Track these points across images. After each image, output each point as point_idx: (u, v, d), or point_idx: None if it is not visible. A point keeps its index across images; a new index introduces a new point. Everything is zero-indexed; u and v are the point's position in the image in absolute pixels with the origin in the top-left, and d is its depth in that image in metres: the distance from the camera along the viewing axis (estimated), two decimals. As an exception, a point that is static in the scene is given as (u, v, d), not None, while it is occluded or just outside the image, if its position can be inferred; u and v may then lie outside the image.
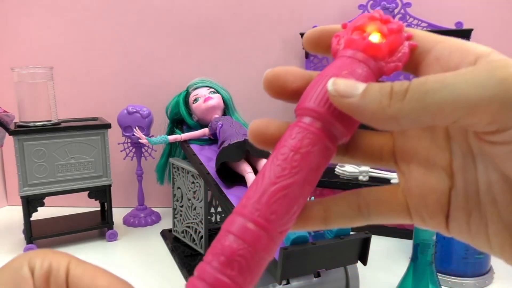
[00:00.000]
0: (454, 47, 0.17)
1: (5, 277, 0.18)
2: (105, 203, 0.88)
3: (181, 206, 0.82)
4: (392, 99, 0.16)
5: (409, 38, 0.19)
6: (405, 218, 0.19)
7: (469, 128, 0.16)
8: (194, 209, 0.77)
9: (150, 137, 0.85)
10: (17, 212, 0.87)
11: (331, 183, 0.88)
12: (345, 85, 0.17)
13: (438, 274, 0.46)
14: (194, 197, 0.77)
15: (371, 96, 0.16)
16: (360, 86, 0.16)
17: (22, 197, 0.79)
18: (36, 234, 0.81)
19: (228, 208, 0.64)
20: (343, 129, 0.18)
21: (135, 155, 0.95)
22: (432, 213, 0.18)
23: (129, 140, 0.93)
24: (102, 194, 0.86)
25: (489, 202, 0.17)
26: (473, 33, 0.83)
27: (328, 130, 0.18)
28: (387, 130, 0.18)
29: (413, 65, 0.19)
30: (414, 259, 0.44)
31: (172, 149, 0.88)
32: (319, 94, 0.18)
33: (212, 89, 0.84)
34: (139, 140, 0.85)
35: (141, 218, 0.95)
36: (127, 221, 0.95)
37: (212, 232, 0.77)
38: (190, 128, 0.86)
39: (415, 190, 0.19)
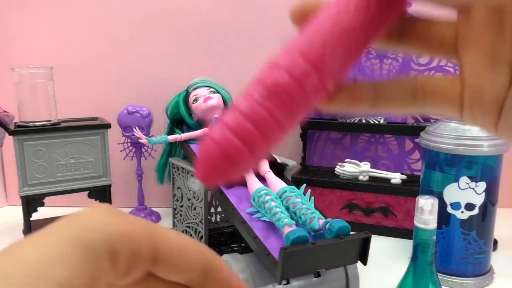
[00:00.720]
0: None
1: (72, 255, 0.14)
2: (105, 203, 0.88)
3: (181, 206, 0.82)
4: None
5: None
6: (456, 112, 0.18)
7: None
8: (194, 209, 0.77)
9: (150, 137, 0.85)
10: (17, 212, 0.87)
11: (331, 183, 0.88)
12: None
13: (438, 274, 0.46)
14: (194, 197, 0.77)
15: None
16: None
17: (22, 197, 0.79)
18: (36, 234, 0.81)
19: (228, 208, 0.64)
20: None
21: (135, 155, 0.95)
22: (486, 110, 0.17)
23: (129, 140, 0.93)
24: (102, 194, 0.86)
25: None
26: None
27: None
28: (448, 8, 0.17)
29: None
30: (414, 259, 0.44)
31: (172, 149, 0.88)
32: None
33: (212, 89, 0.84)
34: (139, 140, 0.85)
35: (141, 218, 0.95)
36: (127, 221, 0.95)
37: (212, 232, 0.77)
38: (190, 128, 0.86)
39: (474, 83, 0.17)
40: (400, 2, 0.16)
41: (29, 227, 0.79)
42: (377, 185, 0.85)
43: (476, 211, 0.64)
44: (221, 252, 0.73)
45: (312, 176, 0.91)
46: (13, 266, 0.13)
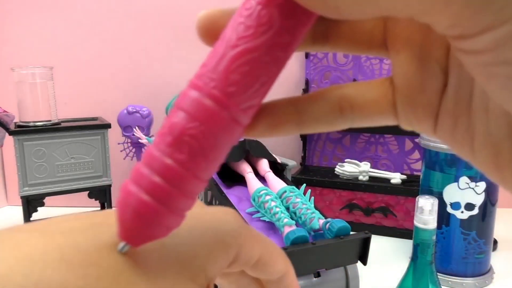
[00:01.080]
0: None
1: (216, 251, 0.17)
2: (105, 203, 0.88)
3: (181, 206, 0.82)
4: None
5: None
6: (391, 119, 0.17)
7: (433, 27, 0.12)
8: (194, 209, 0.77)
9: (150, 137, 0.85)
10: (17, 212, 0.87)
11: (331, 183, 0.88)
12: None
13: (438, 274, 0.46)
14: (194, 197, 0.77)
15: None
16: None
17: (22, 197, 0.79)
18: (36, 234, 0.81)
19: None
20: None
21: (135, 155, 0.95)
22: (421, 117, 0.16)
23: (129, 140, 0.93)
24: (102, 194, 0.86)
25: (481, 109, 0.14)
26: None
27: None
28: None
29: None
30: (414, 259, 0.44)
31: (172, 149, 0.88)
32: None
33: (212, 89, 0.85)
34: (139, 140, 0.85)
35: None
36: (127, 221, 0.95)
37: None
38: (190, 128, 0.86)
39: (404, 87, 0.16)
40: (307, 13, 0.14)
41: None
42: (377, 185, 0.85)
43: (476, 211, 0.64)
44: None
45: (312, 176, 0.91)
46: (167, 250, 0.16)
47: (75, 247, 0.13)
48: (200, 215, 0.18)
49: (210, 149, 0.14)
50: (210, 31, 0.15)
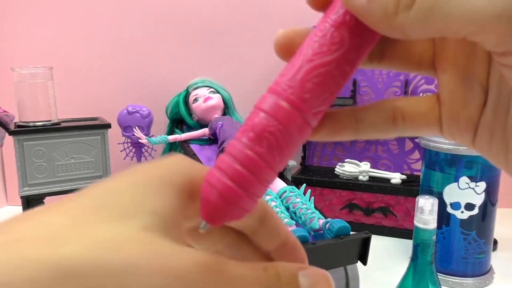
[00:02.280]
0: None
1: (152, 191, 0.16)
2: (105, 203, 0.88)
3: (181, 206, 0.82)
4: (398, 7, 0.15)
5: None
6: (437, 131, 0.19)
7: (481, 45, 0.15)
8: (194, 209, 0.77)
9: (150, 137, 0.85)
10: (17, 212, 0.87)
11: (331, 183, 0.88)
12: None
13: (438, 274, 0.46)
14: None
15: (378, 2, 0.15)
16: None
17: (22, 197, 0.79)
18: (36, 234, 0.81)
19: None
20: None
21: (135, 155, 0.95)
22: (463, 129, 0.18)
23: (129, 140, 0.93)
24: (102, 194, 0.86)
25: None
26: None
27: None
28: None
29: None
30: (414, 259, 0.44)
31: (172, 149, 0.88)
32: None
33: (212, 89, 0.85)
34: (139, 140, 0.85)
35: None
36: (127, 221, 0.95)
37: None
38: (190, 128, 0.86)
39: (450, 103, 0.18)
40: (372, 34, 0.17)
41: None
42: (377, 185, 0.85)
43: (476, 211, 0.64)
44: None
45: (312, 176, 0.91)
46: (109, 196, 0.15)
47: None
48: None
49: (285, 145, 0.16)
50: (287, 48, 0.19)
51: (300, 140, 0.17)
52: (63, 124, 0.83)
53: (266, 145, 0.16)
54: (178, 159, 0.18)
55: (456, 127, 0.18)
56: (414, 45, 0.19)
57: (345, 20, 0.16)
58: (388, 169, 0.93)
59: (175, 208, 0.16)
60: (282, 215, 0.56)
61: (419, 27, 0.14)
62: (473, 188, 0.64)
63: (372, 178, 0.88)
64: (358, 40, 0.16)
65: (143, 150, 0.96)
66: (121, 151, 0.94)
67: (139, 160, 0.95)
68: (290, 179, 0.75)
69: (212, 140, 0.83)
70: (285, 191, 0.60)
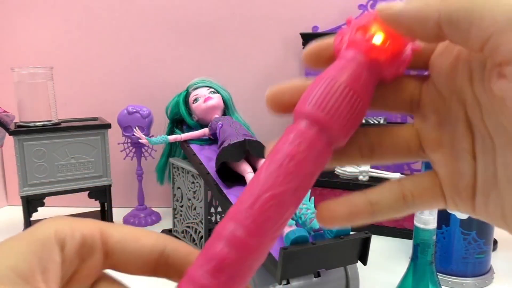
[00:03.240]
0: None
1: (25, 248, 0.17)
2: (105, 203, 0.88)
3: (181, 206, 0.82)
4: None
5: (414, 45, 0.19)
6: (442, 204, 0.20)
7: (492, 55, 0.16)
8: (194, 209, 0.77)
9: (150, 137, 0.85)
10: (17, 212, 0.87)
11: (331, 183, 0.88)
12: (389, 5, 0.17)
13: (438, 274, 0.46)
14: (194, 197, 0.77)
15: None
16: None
17: (22, 197, 0.79)
18: (36, 234, 0.80)
19: (228, 208, 0.64)
20: (340, 133, 0.18)
21: (135, 155, 0.95)
22: (464, 197, 0.19)
23: (129, 140, 0.93)
24: (102, 194, 0.86)
25: (506, 181, 0.17)
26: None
27: (325, 135, 0.18)
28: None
29: (422, 60, 0.19)
30: (414, 259, 0.44)
31: (172, 149, 0.88)
32: (318, 97, 0.18)
33: (212, 89, 0.84)
34: (139, 140, 0.85)
35: (141, 218, 0.95)
36: (127, 221, 0.95)
37: (212, 232, 0.77)
38: (190, 128, 0.86)
39: (447, 177, 0.19)
40: (323, 164, 0.18)
41: (29, 227, 0.79)
42: (377, 185, 0.85)
43: (476, 211, 0.64)
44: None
45: (312, 176, 0.91)
46: None
47: None
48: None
49: (245, 271, 0.17)
50: (277, 104, 0.20)
51: (260, 263, 0.17)
52: (63, 124, 0.83)
53: (227, 274, 0.17)
54: (49, 219, 0.18)
55: (458, 196, 0.19)
56: (398, 135, 0.20)
57: (299, 151, 0.17)
58: (388, 169, 0.93)
59: (36, 261, 0.16)
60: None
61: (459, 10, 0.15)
62: (473, 188, 0.63)
63: (372, 178, 0.88)
64: (311, 167, 0.18)
65: (143, 150, 0.96)
66: (121, 151, 0.94)
67: (139, 160, 0.96)
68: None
69: (212, 140, 0.83)
70: (285, 191, 0.60)
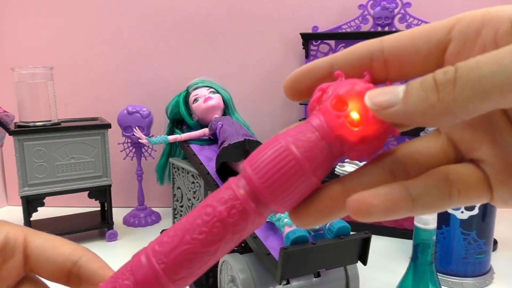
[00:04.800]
0: (477, 23, 0.16)
1: None
2: (105, 203, 0.88)
3: (181, 206, 0.82)
4: (440, 92, 0.14)
5: (391, 130, 0.17)
6: (488, 200, 0.18)
7: None
8: (194, 209, 0.77)
9: (150, 137, 0.85)
10: (17, 212, 0.87)
11: (331, 183, 0.88)
12: (382, 95, 0.15)
13: (438, 274, 0.46)
14: (194, 197, 0.77)
15: (414, 97, 0.14)
16: (400, 90, 0.15)
17: (22, 197, 0.79)
18: (36, 234, 0.81)
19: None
20: (277, 207, 0.17)
21: (135, 155, 0.95)
22: None
23: (129, 140, 0.93)
24: (102, 194, 0.86)
25: None
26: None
27: (260, 204, 0.17)
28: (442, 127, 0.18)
29: (432, 61, 0.17)
30: (414, 259, 0.44)
31: (172, 149, 0.88)
32: (262, 163, 0.17)
33: (212, 89, 0.84)
34: (139, 140, 0.85)
35: (141, 218, 0.95)
36: (127, 221, 0.95)
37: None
38: (190, 128, 0.86)
39: (498, 174, 0.17)
40: (253, 227, 0.18)
41: (29, 227, 0.79)
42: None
43: (476, 211, 0.64)
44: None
45: (312, 176, 0.91)
46: None
47: None
48: None
49: None
50: (295, 91, 0.19)
51: None
52: (63, 124, 0.83)
53: None
54: None
55: (508, 192, 0.17)
56: (432, 147, 0.19)
57: (229, 215, 0.17)
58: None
59: None
60: (282, 215, 0.56)
61: (470, 105, 0.14)
62: (473, 188, 0.64)
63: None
64: (238, 232, 0.17)
65: (143, 150, 0.96)
66: (121, 151, 0.94)
67: (139, 160, 0.96)
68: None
69: (212, 140, 0.83)
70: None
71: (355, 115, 0.16)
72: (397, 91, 0.15)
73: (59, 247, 0.20)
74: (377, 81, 0.18)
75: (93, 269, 0.20)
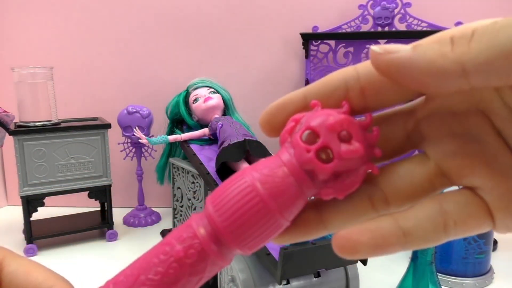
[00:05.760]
0: None
1: None
2: (105, 203, 0.88)
3: (181, 206, 0.82)
4: (454, 44, 0.13)
5: (369, 166, 0.16)
6: (489, 228, 0.16)
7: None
8: (194, 209, 0.77)
9: (150, 137, 0.85)
10: (17, 212, 0.87)
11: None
12: (391, 45, 0.14)
13: (438, 274, 0.46)
14: (194, 197, 0.77)
15: (425, 46, 0.13)
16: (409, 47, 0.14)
17: (22, 197, 0.79)
18: (36, 234, 0.81)
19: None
20: (237, 248, 0.16)
21: (135, 155, 0.95)
22: None
23: (129, 140, 0.93)
24: (102, 194, 0.86)
25: None
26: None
27: (221, 244, 0.16)
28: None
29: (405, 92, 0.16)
30: (414, 259, 0.44)
31: (172, 149, 0.88)
32: (224, 200, 0.15)
33: (212, 89, 0.84)
34: (139, 140, 0.85)
35: (141, 218, 0.95)
36: (127, 221, 0.95)
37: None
38: (190, 128, 0.86)
39: (496, 200, 0.16)
40: (215, 269, 0.17)
41: (29, 227, 0.79)
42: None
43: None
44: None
45: (312, 176, 0.91)
46: None
47: None
48: None
49: None
50: (270, 126, 0.18)
51: None
52: (63, 124, 0.83)
53: None
54: None
55: (510, 219, 0.16)
56: (415, 174, 0.17)
57: (187, 255, 0.16)
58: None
59: None
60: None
61: (485, 59, 0.12)
62: (473, 188, 0.64)
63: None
64: (197, 274, 0.16)
65: (143, 150, 0.96)
66: (121, 151, 0.94)
67: (139, 160, 0.96)
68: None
69: (212, 140, 0.83)
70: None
71: (326, 151, 0.15)
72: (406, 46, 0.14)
73: (31, 274, 0.19)
74: (355, 111, 0.17)
75: None
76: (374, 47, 0.14)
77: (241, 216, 0.15)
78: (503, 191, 0.16)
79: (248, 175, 0.15)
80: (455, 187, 0.17)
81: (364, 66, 0.16)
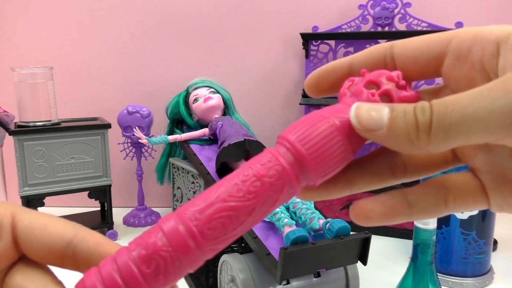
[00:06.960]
0: (469, 40, 0.17)
1: None
2: (105, 203, 0.88)
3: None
4: (419, 132, 0.15)
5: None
6: (485, 206, 0.19)
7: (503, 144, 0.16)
8: (194, 209, 0.77)
9: (150, 137, 0.85)
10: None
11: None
12: (368, 117, 0.17)
13: (438, 274, 0.46)
14: (194, 197, 0.77)
15: (398, 128, 0.16)
16: (384, 115, 0.16)
17: (22, 197, 0.79)
18: (36, 234, 0.81)
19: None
20: (314, 173, 0.17)
21: (135, 155, 0.95)
22: (509, 200, 0.18)
23: (129, 140, 0.93)
24: (102, 194, 0.86)
25: None
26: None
27: (299, 170, 0.17)
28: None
29: (432, 68, 0.19)
30: (414, 259, 0.44)
31: (172, 149, 0.88)
32: (304, 131, 0.17)
33: (212, 89, 0.84)
34: (139, 140, 0.85)
35: (141, 218, 0.95)
36: (127, 221, 0.95)
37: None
38: (190, 128, 0.86)
39: (491, 182, 0.18)
40: (292, 191, 0.18)
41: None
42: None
43: (476, 211, 0.64)
44: (220, 252, 0.73)
45: (312, 176, 0.91)
46: None
47: None
48: None
49: (172, 272, 0.16)
50: (318, 88, 0.21)
51: (190, 269, 0.17)
52: (63, 124, 0.83)
53: (153, 267, 0.16)
54: None
55: (504, 201, 0.18)
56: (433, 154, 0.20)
57: (268, 174, 0.17)
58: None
59: None
60: (283, 215, 0.56)
61: (442, 146, 0.15)
62: (473, 188, 0.64)
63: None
64: (275, 195, 0.17)
65: (143, 150, 0.96)
66: (121, 151, 0.94)
67: (139, 160, 0.96)
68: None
69: (212, 140, 0.83)
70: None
71: (387, 95, 0.18)
72: (382, 114, 0.16)
73: (49, 226, 0.18)
74: None
75: (89, 248, 0.18)
76: (353, 120, 0.17)
77: (325, 150, 0.17)
78: (496, 174, 0.18)
79: (324, 115, 0.18)
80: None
81: (398, 45, 0.20)
